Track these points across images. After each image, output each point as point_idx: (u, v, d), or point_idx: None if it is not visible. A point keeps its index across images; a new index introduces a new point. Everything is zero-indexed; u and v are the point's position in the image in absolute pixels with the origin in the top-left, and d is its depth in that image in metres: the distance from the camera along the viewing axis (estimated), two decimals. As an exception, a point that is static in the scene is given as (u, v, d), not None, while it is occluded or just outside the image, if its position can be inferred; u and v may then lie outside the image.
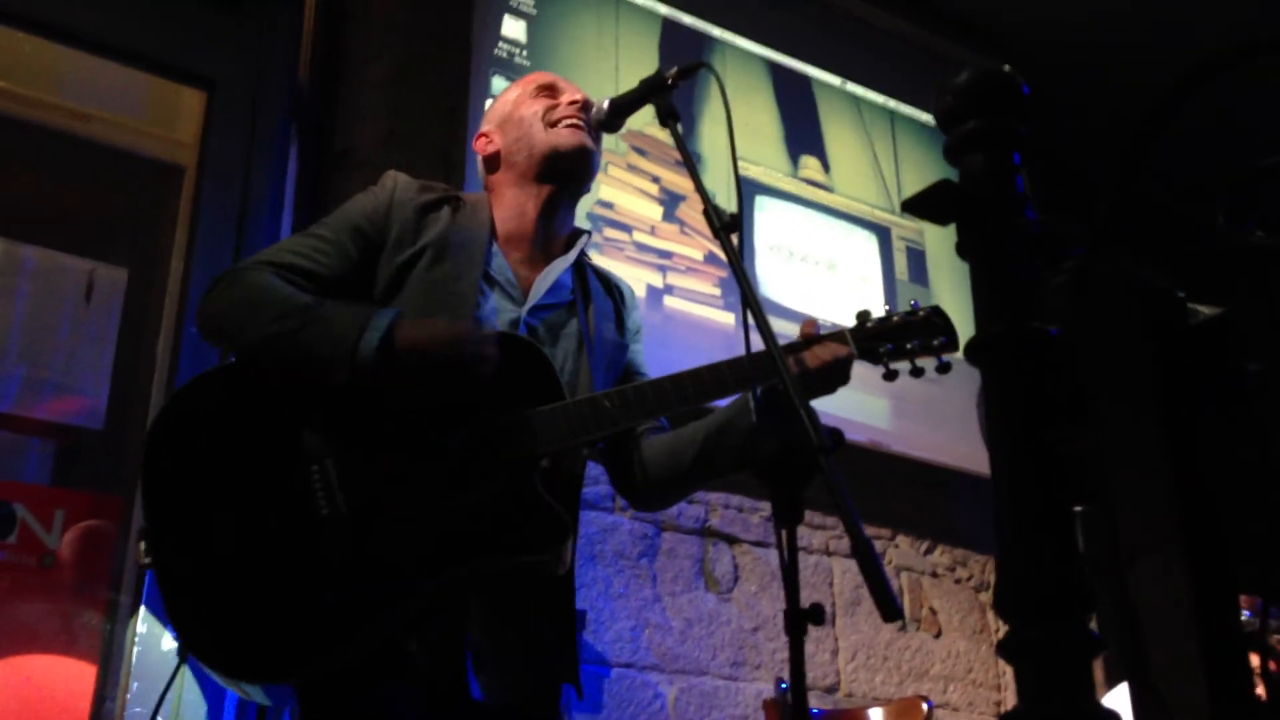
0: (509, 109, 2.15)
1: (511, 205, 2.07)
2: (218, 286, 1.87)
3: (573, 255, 2.08)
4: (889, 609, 1.32)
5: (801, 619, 1.44)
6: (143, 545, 1.72)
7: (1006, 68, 1.08)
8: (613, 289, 2.19)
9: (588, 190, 2.18)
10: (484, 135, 2.17)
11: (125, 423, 3.25)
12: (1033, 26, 5.17)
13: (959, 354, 1.76)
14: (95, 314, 3.36)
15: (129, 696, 2.62)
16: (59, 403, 3.21)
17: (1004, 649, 0.94)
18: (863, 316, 1.95)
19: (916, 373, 1.92)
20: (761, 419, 1.87)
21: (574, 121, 2.06)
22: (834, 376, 1.90)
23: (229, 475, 1.75)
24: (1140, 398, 0.91)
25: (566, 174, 2.06)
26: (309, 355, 1.74)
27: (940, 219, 1.03)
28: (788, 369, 1.61)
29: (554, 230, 2.08)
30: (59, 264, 3.40)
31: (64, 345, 3.27)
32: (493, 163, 2.14)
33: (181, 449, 1.76)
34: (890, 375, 1.91)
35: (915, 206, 1.03)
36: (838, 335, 1.93)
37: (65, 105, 3.62)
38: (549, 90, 2.14)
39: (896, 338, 1.92)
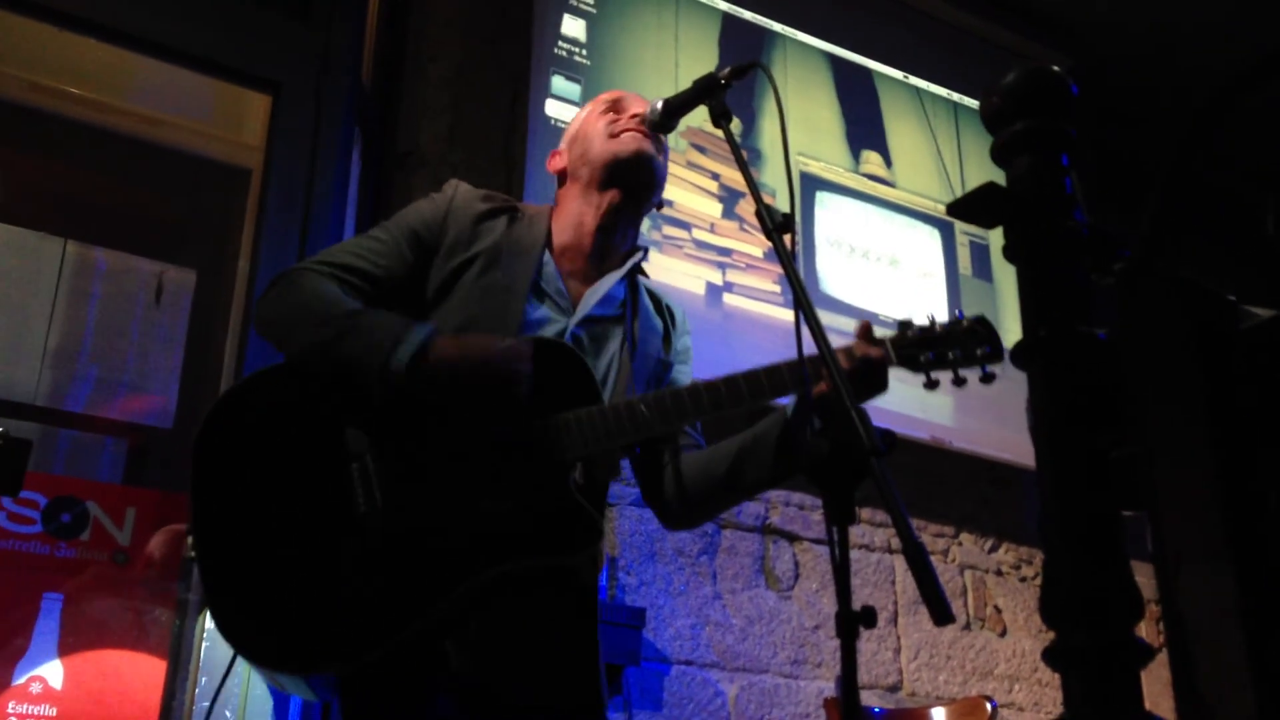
0: (578, 126, 2.18)
1: (571, 216, 2.08)
2: (273, 288, 1.89)
3: (624, 270, 2.08)
4: (941, 611, 1.30)
5: (853, 621, 1.43)
6: (190, 539, 1.74)
7: (1055, 68, 1.07)
8: (664, 309, 2.18)
9: (655, 202, 2.17)
10: (556, 153, 2.20)
11: (194, 422, 3.31)
12: (1099, 13, 5.08)
13: (1003, 363, 1.74)
14: (165, 315, 3.44)
15: (197, 690, 2.67)
16: (130, 403, 3.29)
17: (1050, 656, 0.94)
18: (905, 325, 1.91)
19: (959, 382, 1.88)
20: (795, 426, 1.88)
21: (634, 130, 2.06)
22: (868, 383, 1.86)
23: (273, 470, 1.78)
24: (1188, 402, 0.90)
25: (625, 180, 2.06)
26: (345, 365, 1.77)
27: (986, 222, 1.02)
28: (840, 370, 1.59)
29: (612, 244, 2.08)
30: (130, 266, 3.48)
31: (135, 346, 3.34)
32: (561, 178, 2.17)
33: (229, 445, 1.79)
34: (932, 384, 1.85)
35: (960, 210, 1.02)
36: (877, 343, 1.91)
37: (135, 110, 3.70)
38: (613, 105, 2.15)
39: (938, 347, 1.89)
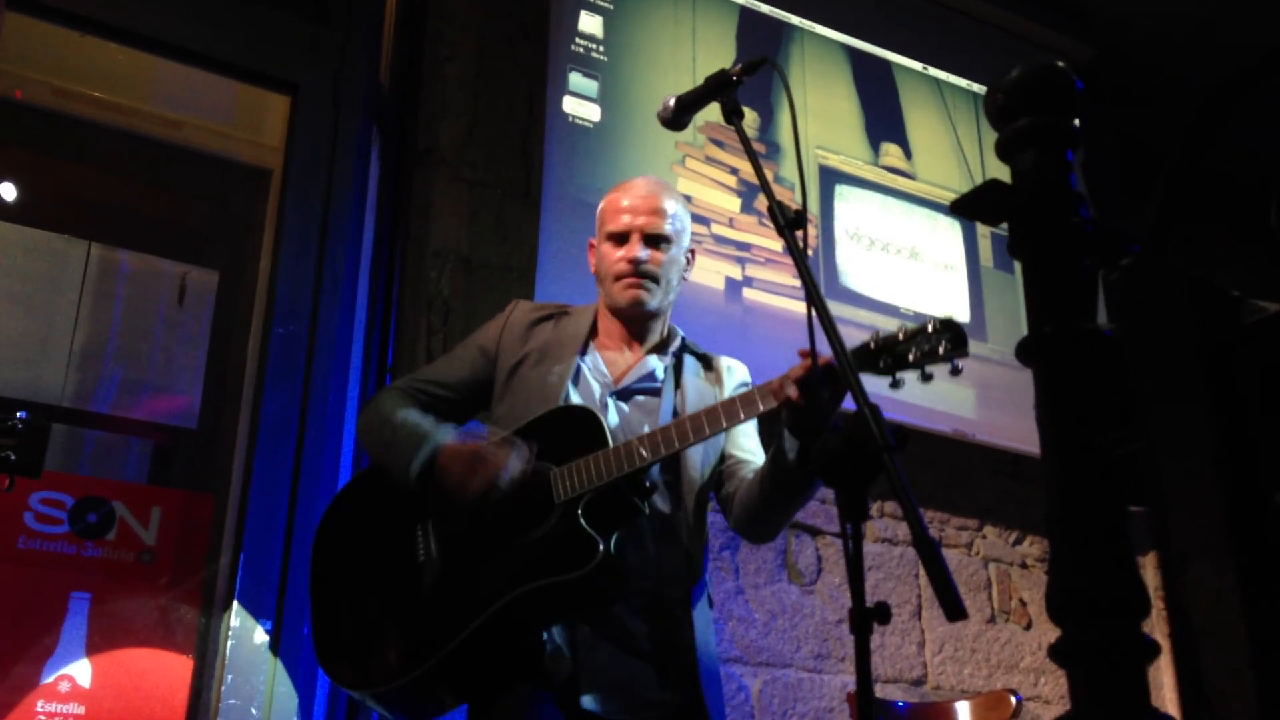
0: (598, 234, 2.42)
1: (605, 319, 2.41)
2: (366, 406, 2.41)
3: (666, 359, 2.37)
4: (953, 607, 1.31)
5: (867, 617, 1.43)
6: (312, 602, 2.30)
7: (1060, 64, 1.06)
8: (716, 369, 2.42)
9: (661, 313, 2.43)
10: (592, 247, 2.46)
11: (218, 422, 3.35)
12: (1120, 1, 5.03)
13: (968, 356, 1.90)
14: (188, 316, 3.47)
15: (224, 689, 2.70)
16: (155, 403, 3.32)
17: (1056, 653, 0.94)
18: (873, 337, 2.00)
19: (926, 378, 1.96)
20: (785, 445, 2.09)
21: (630, 283, 2.32)
22: (814, 391, 1.99)
23: (364, 541, 2.29)
24: (1192, 398, 0.90)
25: (628, 320, 2.37)
26: (390, 471, 2.26)
27: (990, 219, 1.02)
28: (852, 366, 1.61)
29: (643, 337, 2.38)
30: (153, 268, 3.51)
31: (159, 347, 3.37)
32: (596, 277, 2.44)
33: (336, 526, 2.34)
34: (896, 384, 1.98)
35: (965, 207, 1.02)
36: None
37: (156, 113, 3.73)
38: (619, 237, 2.35)
39: (898, 350, 1.96)
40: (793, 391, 2.00)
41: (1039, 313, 1.00)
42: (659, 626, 2.17)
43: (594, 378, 2.33)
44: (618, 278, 2.33)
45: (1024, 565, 4.32)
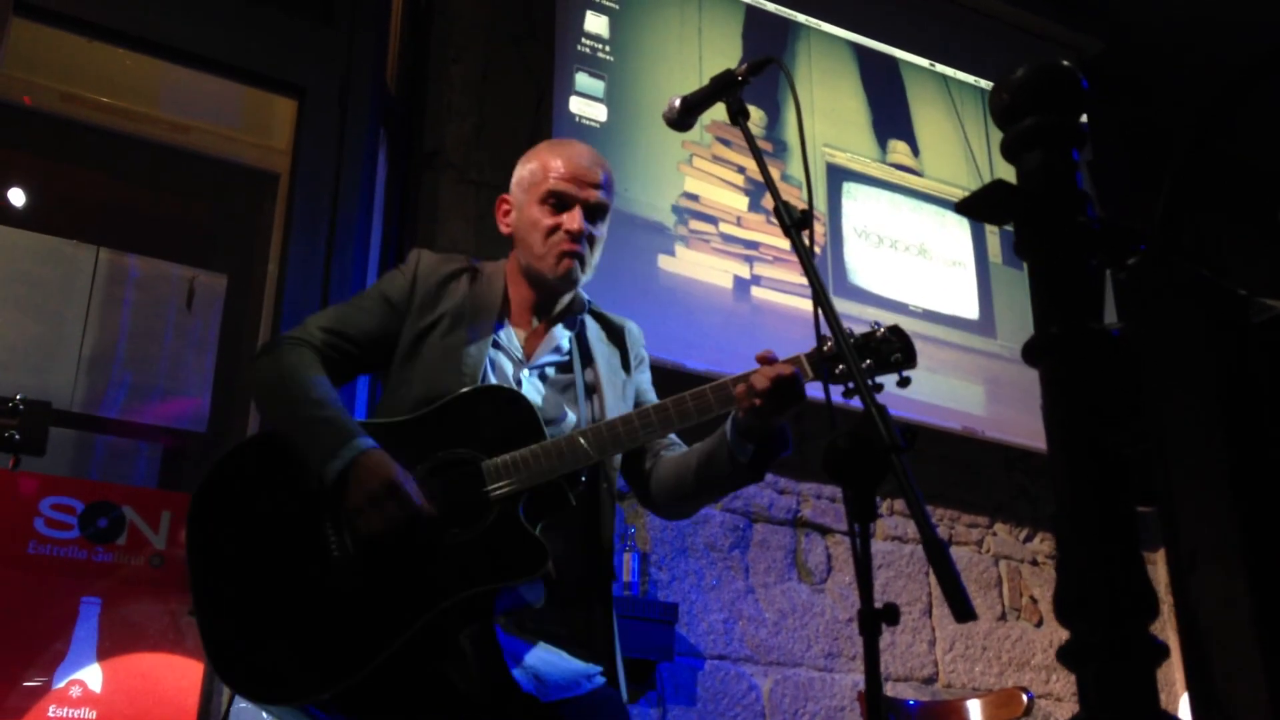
0: (524, 193, 2.25)
1: (516, 285, 2.26)
2: (261, 359, 2.11)
3: (570, 330, 2.25)
4: (962, 609, 1.30)
5: (875, 619, 1.42)
6: (191, 595, 1.95)
7: (1065, 63, 1.06)
8: (615, 333, 2.33)
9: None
10: (505, 202, 2.30)
11: (228, 424, 3.35)
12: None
13: (915, 367, 1.93)
14: (197, 320, 3.47)
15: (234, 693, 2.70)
16: (164, 407, 3.33)
17: (1065, 655, 0.93)
18: (821, 340, 1.98)
19: (875, 388, 1.93)
20: (735, 446, 2.01)
21: (568, 252, 2.17)
22: (782, 398, 1.93)
23: (257, 529, 1.99)
24: (1201, 398, 0.89)
25: (549, 289, 2.22)
26: (300, 452, 1.99)
27: (996, 219, 1.01)
28: (858, 364, 1.60)
29: (552, 306, 2.25)
30: (162, 272, 3.52)
31: (168, 351, 3.38)
32: (509, 237, 2.29)
33: (219, 509, 2.01)
34: (850, 392, 1.88)
35: (970, 208, 1.01)
36: (793, 360, 1.98)
37: (164, 118, 3.74)
38: (557, 202, 2.20)
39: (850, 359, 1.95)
40: (757, 400, 1.93)
41: (1045, 313, 1.00)
42: (581, 622, 2.06)
43: (506, 352, 2.19)
44: (553, 247, 2.18)
45: (1035, 562, 4.31)
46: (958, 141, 4.75)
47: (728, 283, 3.98)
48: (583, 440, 1.99)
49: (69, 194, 3.78)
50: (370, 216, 3.54)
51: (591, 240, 2.21)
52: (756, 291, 4.02)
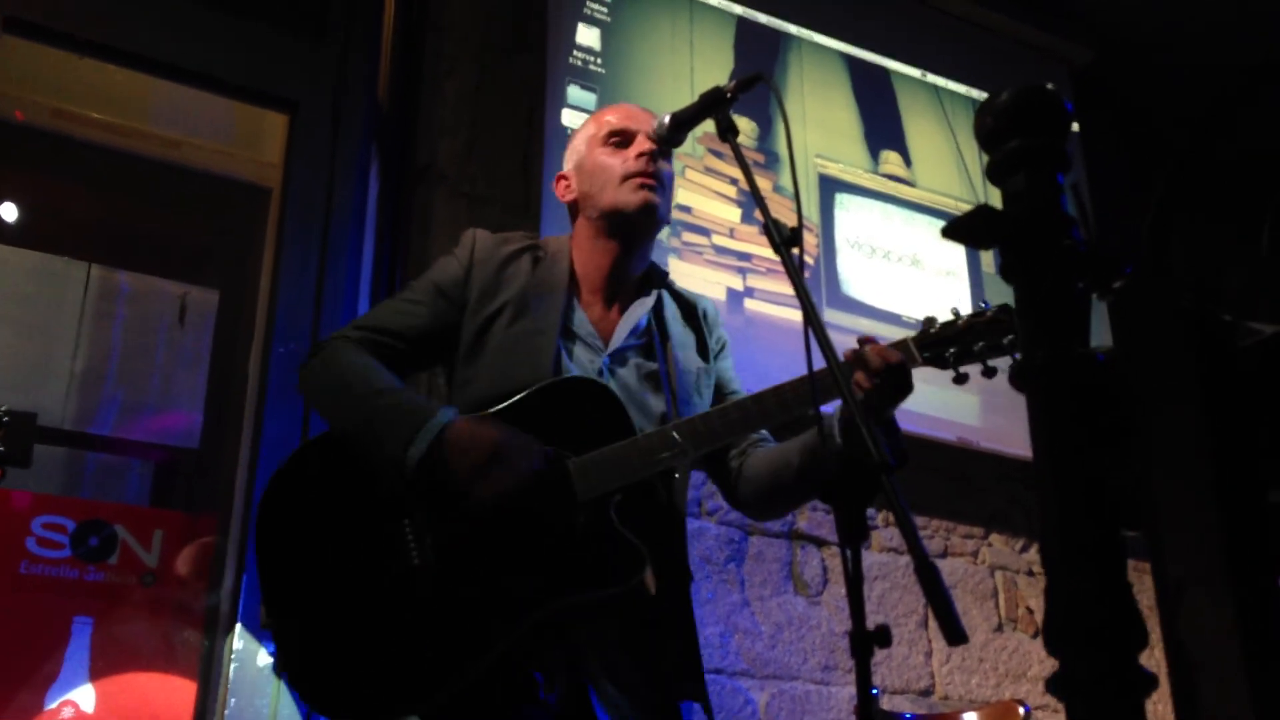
0: (583, 152, 2.18)
1: (587, 256, 2.12)
2: (312, 361, 1.99)
3: (649, 302, 2.11)
4: (953, 631, 1.30)
5: (867, 641, 1.42)
6: (264, 608, 1.85)
7: (1049, 85, 1.06)
8: (694, 313, 2.20)
9: (659, 231, 2.19)
10: (563, 179, 2.21)
11: (220, 442, 3.34)
12: (1118, 6, 5.02)
13: None
14: (189, 336, 3.47)
15: (227, 712, 2.69)
16: (156, 424, 3.32)
17: (1054, 684, 0.92)
18: (928, 322, 1.93)
19: (989, 373, 1.90)
20: (837, 435, 1.88)
21: (642, 179, 2.07)
22: (893, 388, 1.86)
23: (331, 535, 1.87)
24: (1187, 423, 0.89)
25: (631, 233, 2.09)
26: (370, 449, 1.86)
27: (981, 243, 1.01)
28: (849, 384, 1.60)
29: (628, 276, 2.12)
30: (153, 288, 3.51)
31: (160, 368, 3.38)
32: (574, 209, 2.19)
33: (289, 514, 1.89)
34: (960, 379, 1.87)
35: (955, 232, 1.01)
36: (900, 344, 1.92)
37: (155, 133, 3.74)
38: (619, 137, 2.14)
39: (962, 341, 1.90)
40: (868, 383, 1.80)
41: (1032, 338, 0.99)
42: (659, 628, 1.94)
43: (580, 336, 2.04)
44: (627, 177, 2.05)
45: (1030, 573, 4.30)
46: (950, 152, 4.75)
47: (721, 295, 3.97)
48: (676, 434, 1.87)
49: (60, 210, 3.78)
50: (363, 231, 3.54)
51: (660, 177, 2.08)
52: (750, 304, 4.01)
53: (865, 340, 1.91)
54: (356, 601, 1.82)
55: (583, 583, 1.79)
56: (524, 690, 1.81)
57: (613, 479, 1.85)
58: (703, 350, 2.17)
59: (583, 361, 2.00)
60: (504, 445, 1.80)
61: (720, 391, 2.17)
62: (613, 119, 2.17)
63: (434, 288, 2.06)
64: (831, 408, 1.98)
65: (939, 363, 1.91)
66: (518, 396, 1.91)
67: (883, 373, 1.84)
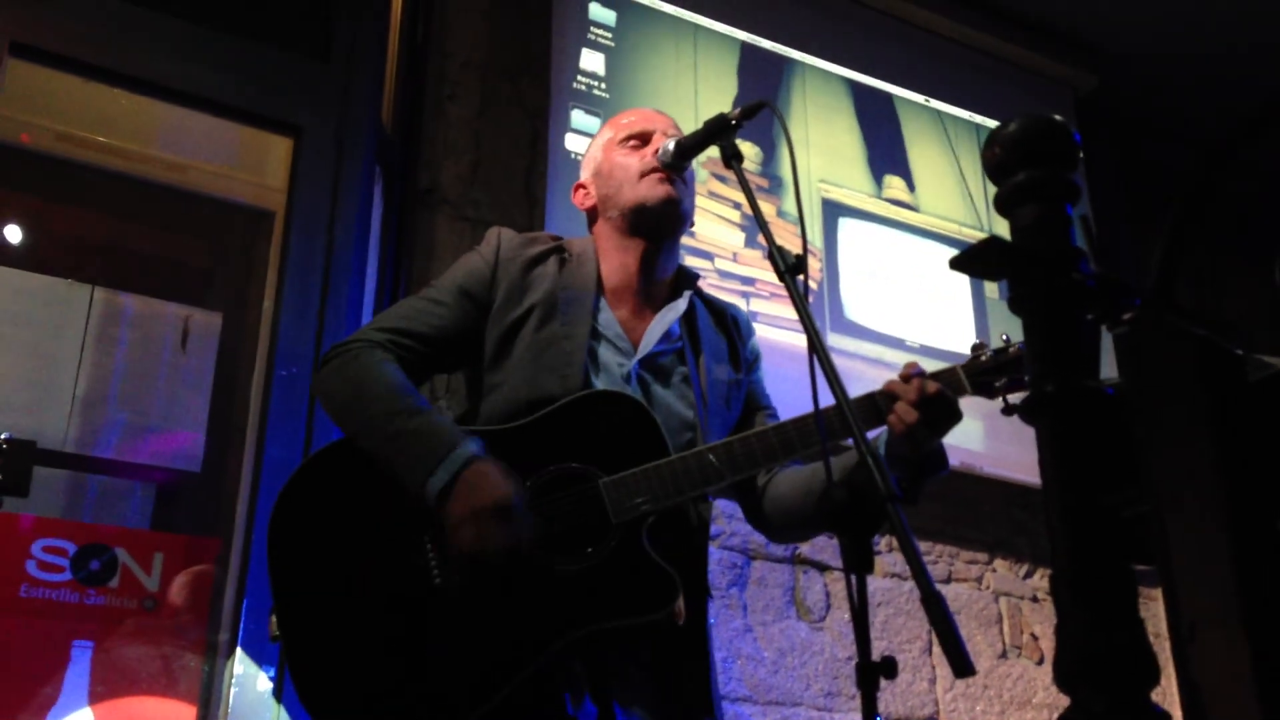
0: (600, 158, 2.16)
1: (614, 259, 2.07)
2: (329, 364, 1.91)
3: (681, 305, 2.07)
4: (960, 663, 1.29)
5: (873, 672, 1.41)
6: (274, 619, 1.78)
7: (1057, 117, 1.05)
8: (726, 321, 2.16)
9: (687, 231, 2.16)
10: (582, 187, 2.18)
11: (222, 465, 3.33)
12: (1122, 31, 5.03)
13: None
14: (192, 359, 3.46)
15: (227, 737, 2.68)
16: (158, 447, 3.31)
17: (1065, 723, 0.91)
18: (977, 350, 1.90)
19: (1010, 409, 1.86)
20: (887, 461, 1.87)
21: (663, 176, 2.05)
22: (943, 418, 1.83)
23: (348, 547, 1.81)
24: (1198, 458, 0.88)
25: (655, 228, 2.06)
26: (392, 469, 1.79)
27: (989, 275, 1.00)
28: (855, 414, 1.59)
29: (656, 278, 2.08)
30: (156, 311, 3.51)
31: (162, 391, 3.37)
32: (593, 215, 2.16)
33: (303, 523, 1.83)
34: (1009, 410, 1.78)
35: (963, 264, 1.00)
36: (948, 373, 1.89)
37: (161, 157, 3.74)
38: (637, 139, 2.13)
39: (1014, 370, 1.87)
40: (911, 415, 1.77)
41: (1041, 371, 0.99)
42: (678, 649, 1.88)
43: (609, 340, 1.98)
44: (646, 175, 2.03)
45: (1035, 599, 4.28)
46: (953, 176, 4.76)
47: (724, 319, 3.97)
48: (713, 457, 1.82)
49: (64, 233, 3.78)
50: (366, 254, 3.54)
51: (682, 174, 2.05)
52: (754, 327, 4.01)
53: (910, 369, 1.88)
54: (373, 619, 1.76)
55: (614, 610, 1.74)
56: (553, 710, 1.77)
57: (647, 501, 1.79)
58: (734, 359, 2.13)
59: (611, 365, 1.96)
60: (514, 508, 1.73)
61: (750, 405, 2.13)
62: (629, 121, 2.17)
63: (459, 289, 2.00)
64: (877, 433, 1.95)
65: (986, 391, 1.88)
66: (549, 409, 1.86)
67: (926, 405, 1.81)
